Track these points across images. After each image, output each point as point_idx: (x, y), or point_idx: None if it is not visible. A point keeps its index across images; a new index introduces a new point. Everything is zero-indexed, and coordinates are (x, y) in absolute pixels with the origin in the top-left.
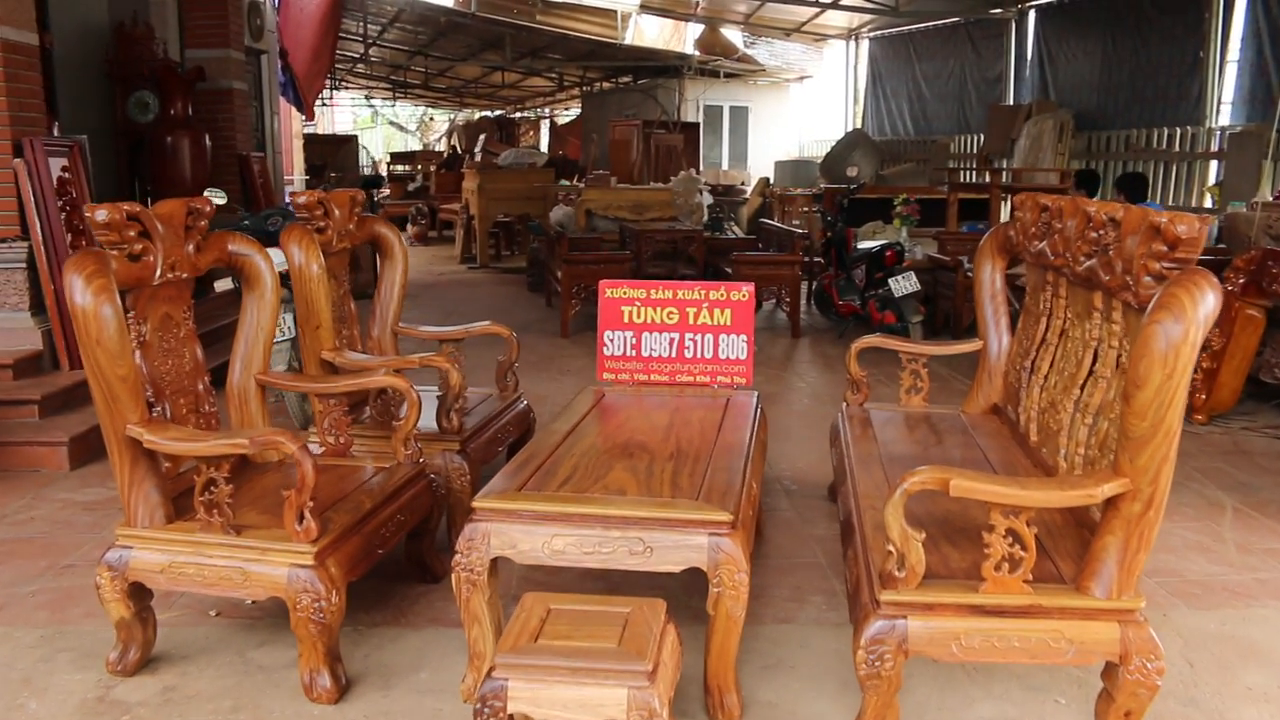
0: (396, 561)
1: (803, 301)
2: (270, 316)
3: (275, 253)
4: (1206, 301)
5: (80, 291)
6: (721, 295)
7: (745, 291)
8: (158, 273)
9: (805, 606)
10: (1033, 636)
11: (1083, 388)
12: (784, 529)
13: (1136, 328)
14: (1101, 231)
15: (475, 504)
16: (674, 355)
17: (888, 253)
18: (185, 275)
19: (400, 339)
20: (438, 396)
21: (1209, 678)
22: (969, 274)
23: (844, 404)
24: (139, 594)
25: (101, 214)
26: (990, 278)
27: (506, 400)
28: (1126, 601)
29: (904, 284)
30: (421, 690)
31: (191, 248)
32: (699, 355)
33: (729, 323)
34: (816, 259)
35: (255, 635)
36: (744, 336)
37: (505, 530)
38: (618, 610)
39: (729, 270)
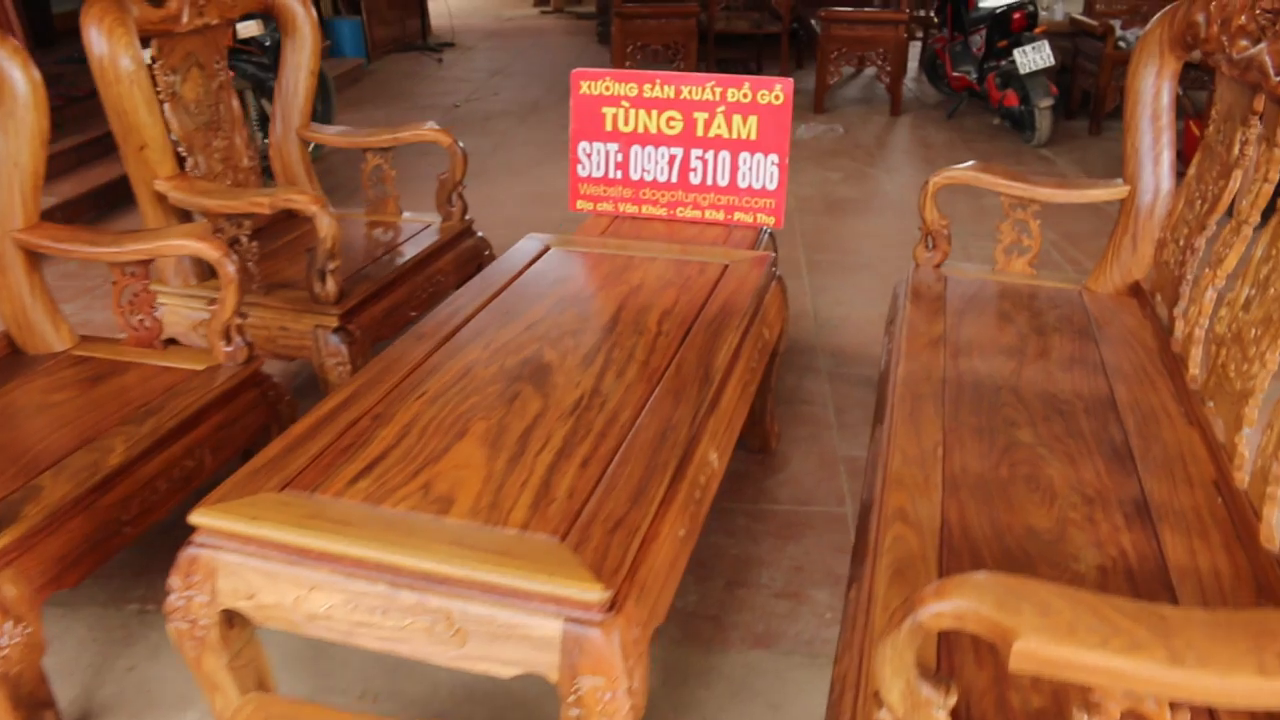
0: None
1: (910, 68)
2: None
3: None
4: None
5: None
6: (745, 95)
7: (779, 92)
8: None
9: (800, 609)
10: None
11: None
12: (808, 440)
13: None
14: None
15: (193, 517)
16: (674, 180)
17: (1016, 14)
18: None
19: (315, 150)
20: (307, 252)
21: None
22: (1121, 44)
23: (913, 265)
24: None
25: None
26: (1152, 86)
27: (448, 234)
28: None
29: (1033, 56)
30: None
31: None
32: (710, 181)
33: (754, 136)
34: (930, 15)
35: None
36: (774, 157)
37: (238, 567)
38: None
39: (816, 29)
